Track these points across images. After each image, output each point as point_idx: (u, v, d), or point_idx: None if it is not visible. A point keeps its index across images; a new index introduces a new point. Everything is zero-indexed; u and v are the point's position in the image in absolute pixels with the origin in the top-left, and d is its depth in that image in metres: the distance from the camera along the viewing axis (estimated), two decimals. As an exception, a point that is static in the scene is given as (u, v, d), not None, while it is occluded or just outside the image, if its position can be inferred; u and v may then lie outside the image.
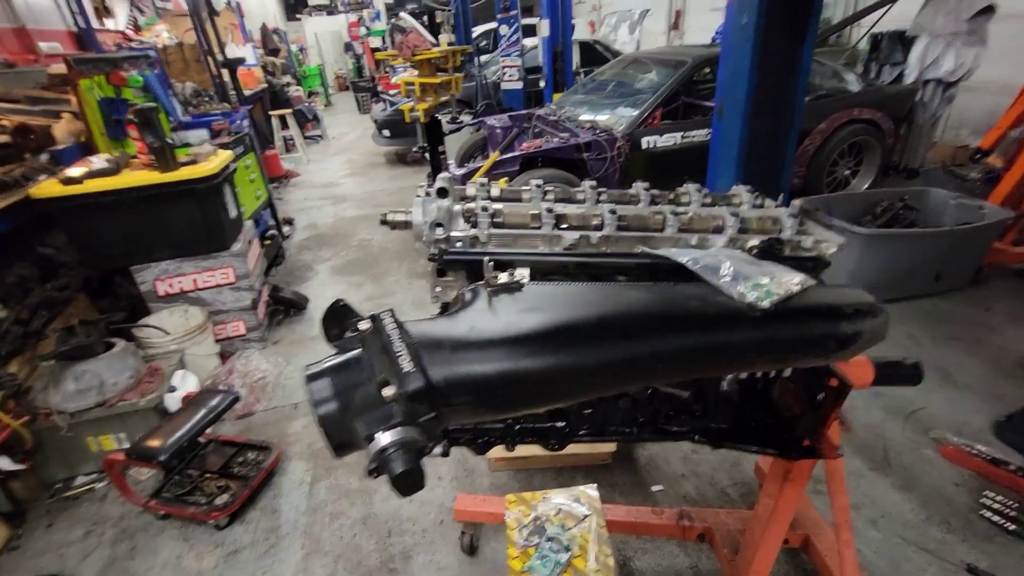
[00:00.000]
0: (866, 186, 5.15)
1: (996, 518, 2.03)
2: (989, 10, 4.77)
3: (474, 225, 0.94)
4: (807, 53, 2.63)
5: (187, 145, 4.25)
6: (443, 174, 0.99)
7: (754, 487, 2.26)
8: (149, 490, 2.50)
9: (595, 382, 0.73)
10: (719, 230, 1.01)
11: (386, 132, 7.98)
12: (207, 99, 6.23)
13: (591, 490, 1.94)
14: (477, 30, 10.15)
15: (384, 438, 0.55)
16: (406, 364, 0.58)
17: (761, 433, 1.18)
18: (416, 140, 8.10)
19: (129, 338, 2.88)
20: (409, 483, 0.57)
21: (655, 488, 2.33)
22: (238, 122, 5.16)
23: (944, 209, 3.75)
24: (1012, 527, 1.99)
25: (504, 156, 4.29)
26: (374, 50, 15.44)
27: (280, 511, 2.40)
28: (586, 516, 1.89)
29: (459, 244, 0.92)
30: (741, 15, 2.56)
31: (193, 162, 3.28)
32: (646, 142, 4.31)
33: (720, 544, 1.83)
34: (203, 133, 4.66)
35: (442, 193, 0.93)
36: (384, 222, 0.95)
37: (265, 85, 9.22)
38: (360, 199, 6.85)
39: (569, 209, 1.00)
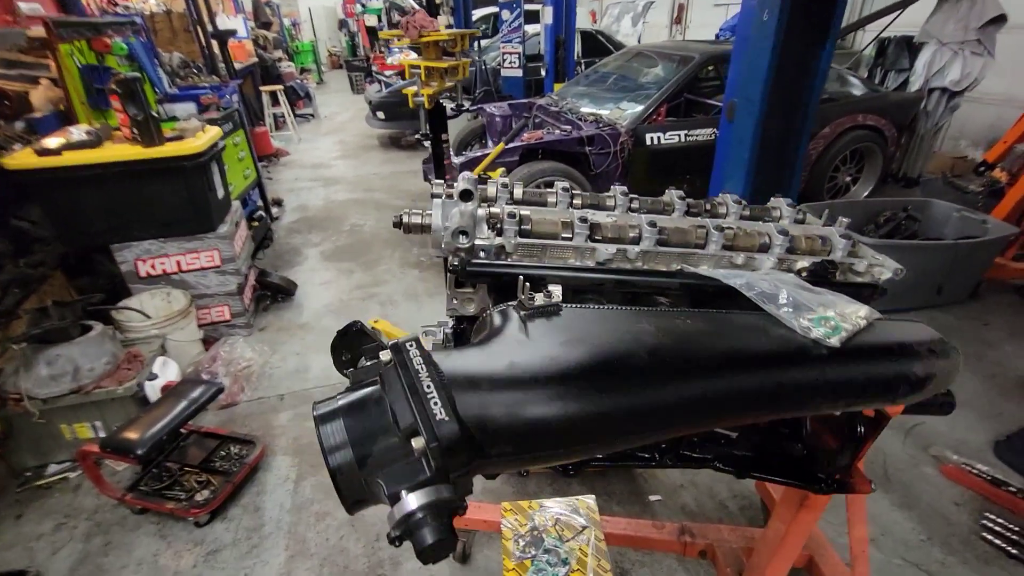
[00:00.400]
0: (866, 193, 5.13)
1: (997, 541, 2.00)
2: (1000, 19, 4.72)
3: (499, 233, 0.85)
4: (827, 55, 2.55)
5: (173, 119, 4.07)
6: (466, 174, 0.89)
7: (754, 500, 2.21)
8: (125, 482, 2.38)
9: (651, 428, 0.65)
10: (765, 248, 0.92)
11: (381, 114, 7.78)
12: (195, 71, 5.99)
13: (590, 500, 1.88)
14: (477, 13, 9.90)
15: (412, 500, 0.46)
16: (439, 410, 0.49)
17: (788, 463, 1.11)
18: (412, 124, 7.91)
19: (107, 321, 2.74)
20: (439, 552, 0.48)
21: (653, 498, 2.27)
22: (228, 97, 4.96)
23: (947, 221, 3.72)
24: (1014, 551, 1.96)
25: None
26: (369, 29, 15.08)
27: (263, 509, 2.31)
28: (584, 528, 1.83)
29: (483, 254, 0.82)
30: (763, 12, 2.46)
31: (179, 138, 3.12)
32: (650, 139, 4.22)
33: (723, 563, 1.77)
34: (190, 107, 4.47)
35: (466, 196, 0.83)
36: (399, 224, 0.85)
37: (256, 59, 8.93)
38: (352, 182, 6.68)
39: (603, 218, 0.91)
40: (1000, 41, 4.96)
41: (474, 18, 9.61)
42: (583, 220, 0.87)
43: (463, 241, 0.79)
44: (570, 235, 0.87)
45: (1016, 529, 2.03)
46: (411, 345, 0.56)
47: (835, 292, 0.80)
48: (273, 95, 8.48)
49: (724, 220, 0.98)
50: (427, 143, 4.73)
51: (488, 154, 4.18)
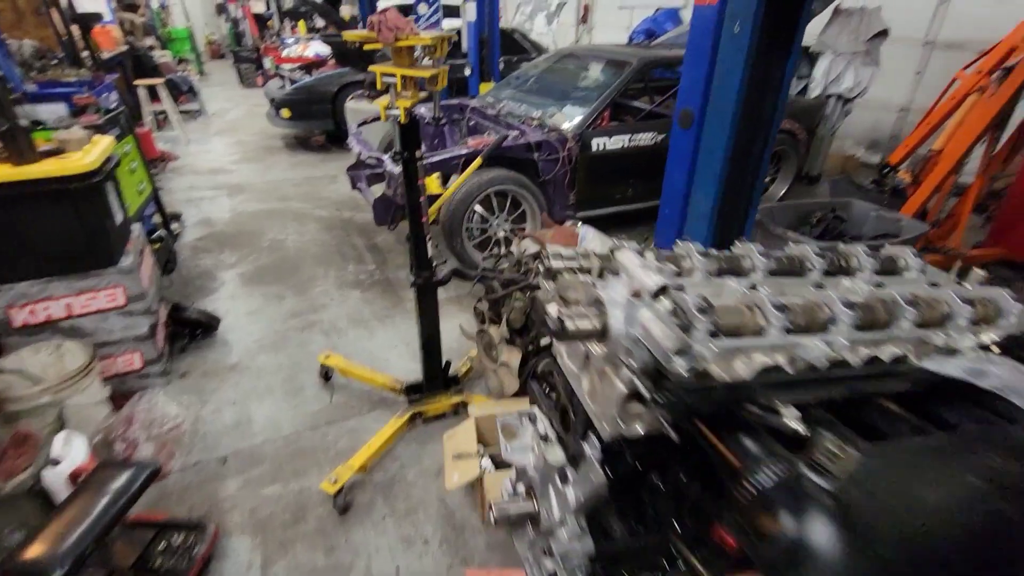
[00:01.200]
0: (783, 192, 5.49)
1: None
2: (883, 34, 5.25)
3: (687, 331, 0.65)
4: (791, 68, 2.60)
5: (39, 124, 3.33)
6: (648, 262, 0.67)
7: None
8: (28, 605, 1.85)
9: None
10: (946, 320, 0.81)
11: (285, 113, 7.06)
12: (54, 62, 5.03)
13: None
14: (384, 5, 9.35)
15: None
16: None
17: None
18: (322, 124, 7.28)
19: (-22, 393, 2.13)
20: None
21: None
22: (106, 95, 4.17)
23: (865, 220, 4.04)
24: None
25: (450, 154, 3.90)
26: (257, 16, 13.75)
27: (227, 611, 1.90)
28: None
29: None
30: (734, 24, 2.44)
31: (60, 151, 2.53)
32: (596, 144, 4.15)
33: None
34: (60, 108, 3.70)
35: (662, 294, 0.62)
36: (563, 333, 0.62)
37: (126, 48, 7.75)
38: (261, 190, 5.98)
39: (790, 298, 0.74)
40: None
41: (379, 7, 9.07)
42: (780, 308, 0.69)
43: (683, 364, 0.58)
44: (760, 327, 0.70)
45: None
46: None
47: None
48: (151, 90, 7.38)
49: (860, 283, 0.86)
50: (376, 162, 4.31)
51: (435, 159, 3.88)
